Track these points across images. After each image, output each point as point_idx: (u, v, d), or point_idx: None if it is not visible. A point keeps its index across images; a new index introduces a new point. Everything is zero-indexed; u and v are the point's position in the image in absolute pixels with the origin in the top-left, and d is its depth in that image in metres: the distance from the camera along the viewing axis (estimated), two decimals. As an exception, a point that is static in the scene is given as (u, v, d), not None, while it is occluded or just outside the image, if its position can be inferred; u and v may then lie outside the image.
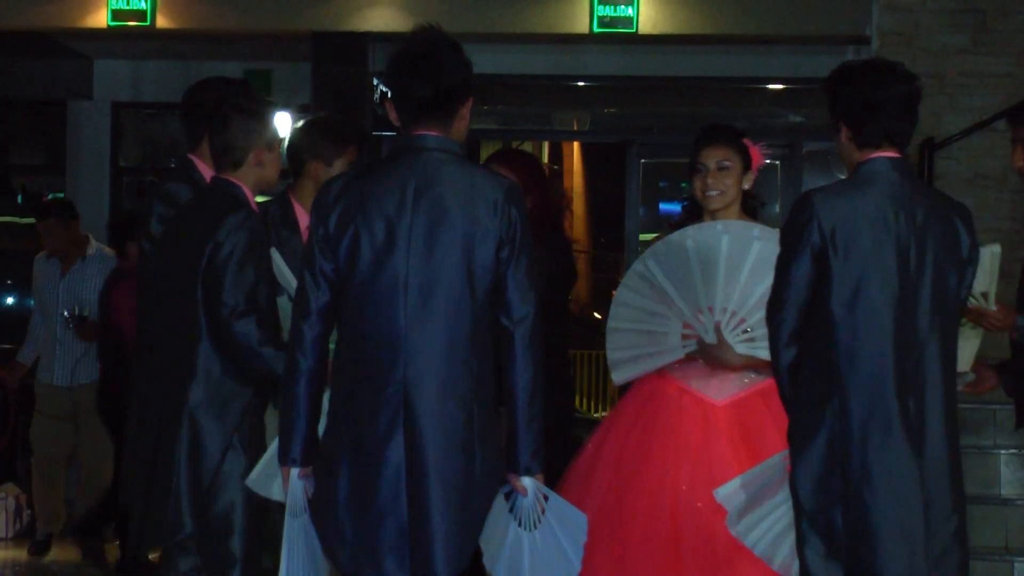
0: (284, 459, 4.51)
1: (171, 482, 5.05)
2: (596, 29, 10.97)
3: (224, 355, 5.06)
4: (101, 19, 11.08)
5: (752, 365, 5.53)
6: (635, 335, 5.66)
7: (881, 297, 4.53)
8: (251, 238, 5.03)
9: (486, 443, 4.42)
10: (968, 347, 5.15)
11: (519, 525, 4.49)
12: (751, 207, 5.76)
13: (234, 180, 5.15)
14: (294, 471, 4.50)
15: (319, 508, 4.52)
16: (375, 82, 11.30)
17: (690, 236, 5.57)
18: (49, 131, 12.83)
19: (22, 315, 12.92)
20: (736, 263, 5.52)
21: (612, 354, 5.72)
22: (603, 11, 10.98)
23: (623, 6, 10.97)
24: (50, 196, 13.07)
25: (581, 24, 11.00)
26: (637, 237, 12.24)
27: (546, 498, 4.50)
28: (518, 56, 11.60)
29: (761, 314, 5.13)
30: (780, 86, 11.76)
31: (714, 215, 5.68)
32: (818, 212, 4.53)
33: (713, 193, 5.67)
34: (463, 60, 4.47)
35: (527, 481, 4.44)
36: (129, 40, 11.66)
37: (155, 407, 5.17)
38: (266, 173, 5.21)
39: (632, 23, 10.96)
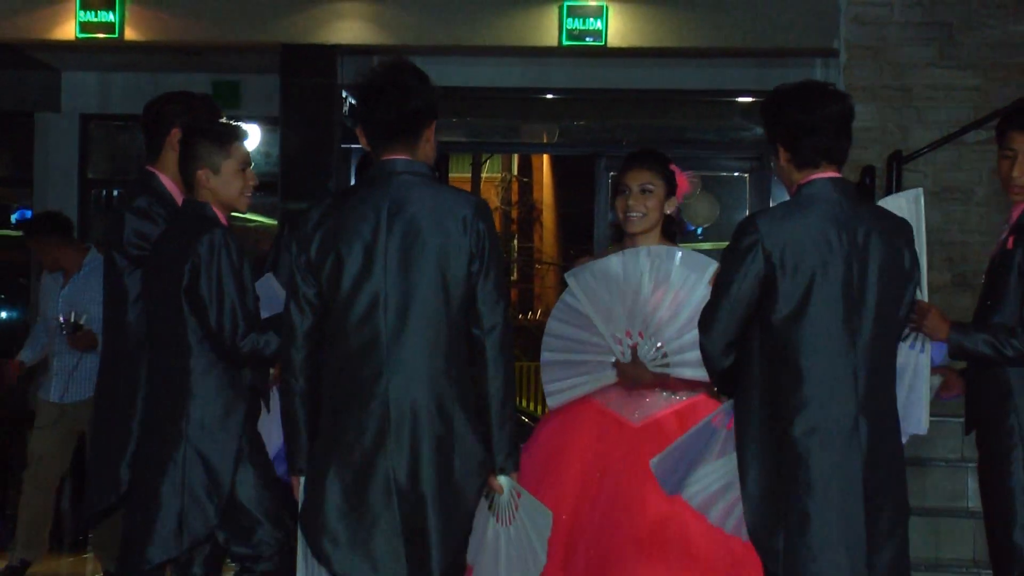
0: (293, 470, 4.79)
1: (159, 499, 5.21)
2: (565, 42, 10.95)
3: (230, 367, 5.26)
4: (69, 31, 11.01)
5: (663, 384, 5.70)
6: (566, 366, 5.82)
7: (828, 316, 4.63)
8: (227, 255, 5.19)
9: (465, 447, 4.66)
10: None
11: (496, 521, 4.84)
12: (671, 232, 5.90)
13: (201, 200, 5.32)
14: (303, 480, 4.76)
15: (309, 517, 4.72)
16: (344, 94, 11.26)
17: (613, 262, 5.72)
18: (16, 143, 12.72)
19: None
20: (656, 287, 5.66)
21: (547, 386, 5.91)
22: (572, 24, 10.95)
23: (592, 19, 10.94)
24: (17, 212, 13.04)
25: (550, 37, 10.97)
26: (606, 249, 12.21)
27: (519, 495, 4.81)
28: (487, 69, 11.60)
29: (679, 338, 5.56)
30: (748, 99, 11.77)
31: (634, 238, 5.82)
32: (763, 236, 4.64)
33: (634, 215, 5.83)
34: (427, 86, 4.73)
35: (503, 479, 4.73)
36: (97, 52, 11.59)
37: (153, 426, 5.31)
38: (220, 192, 5.33)
39: (601, 36, 10.94)
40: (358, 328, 4.66)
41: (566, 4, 10.91)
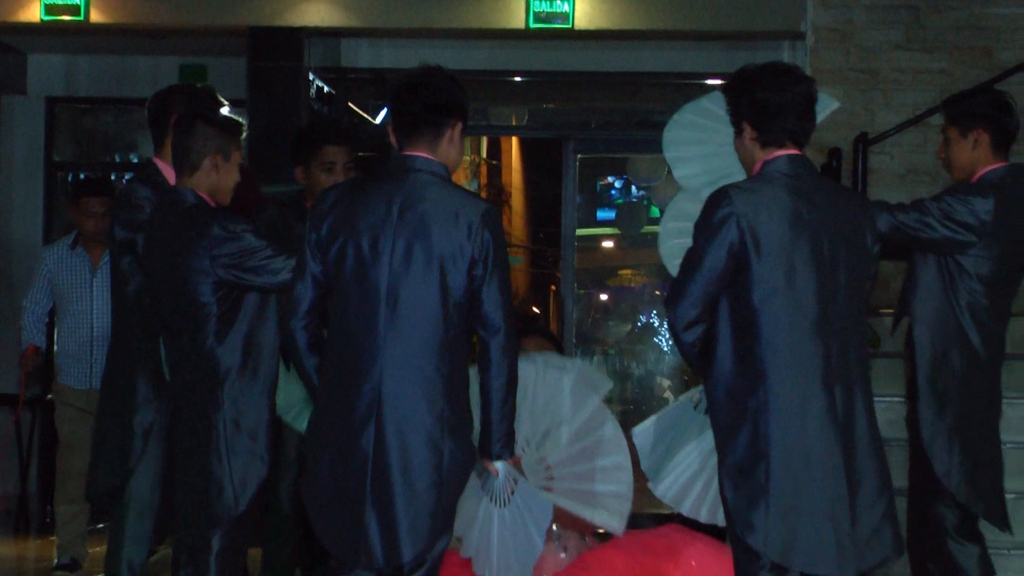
0: None
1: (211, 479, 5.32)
2: (532, 25, 10.95)
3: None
4: (34, 13, 10.97)
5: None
6: None
7: (803, 290, 4.68)
8: (245, 229, 5.29)
9: (456, 438, 4.81)
10: None
11: (491, 501, 5.10)
12: None
13: (190, 186, 5.37)
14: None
15: (310, 497, 4.92)
16: (311, 77, 11.25)
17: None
18: None
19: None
20: (540, 400, 5.69)
21: None
22: (539, 7, 10.96)
23: (559, 2, 10.96)
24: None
25: (517, 19, 10.98)
26: (574, 232, 12.26)
27: (516, 481, 5.03)
28: (455, 52, 11.56)
29: (567, 454, 5.59)
30: (716, 81, 11.74)
31: None
32: (737, 208, 4.69)
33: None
34: (456, 87, 4.95)
35: (498, 464, 4.94)
36: (63, 35, 11.55)
37: (187, 409, 5.39)
38: (222, 180, 5.42)
39: (568, 19, 10.96)
40: (357, 315, 4.82)
41: (533, -14, 10.96)
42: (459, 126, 4.95)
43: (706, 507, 5.11)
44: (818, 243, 4.71)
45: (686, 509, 5.15)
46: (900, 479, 6.91)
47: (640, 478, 5.59)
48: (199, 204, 5.31)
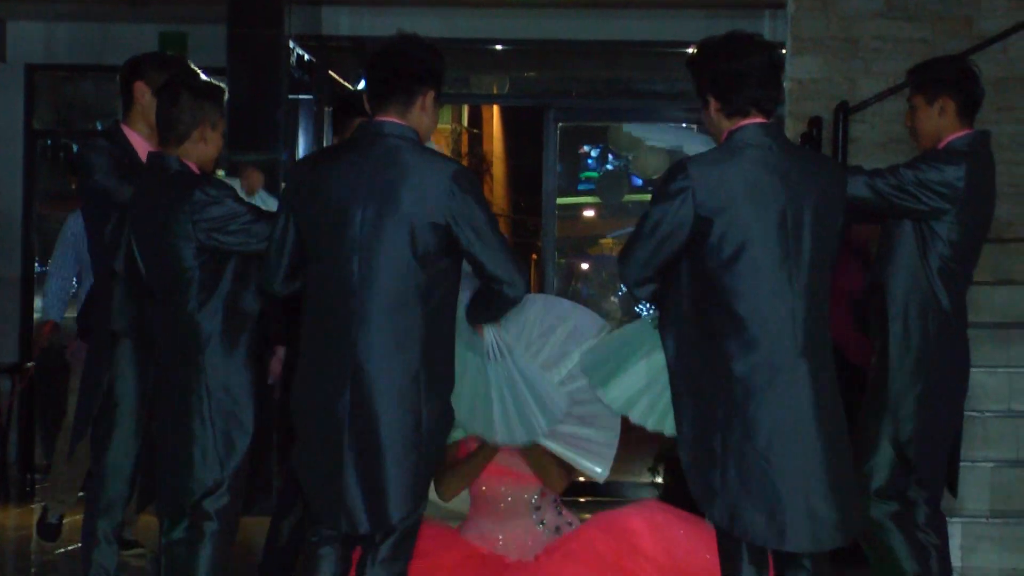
0: None
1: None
2: (514, -7, 10.96)
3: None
4: None
5: (534, 450, 5.64)
6: None
7: (764, 259, 4.73)
8: (226, 195, 5.33)
9: (432, 400, 4.84)
10: None
11: (489, 358, 5.25)
12: None
13: (175, 154, 5.39)
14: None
15: (299, 465, 4.97)
16: (291, 45, 11.18)
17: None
18: None
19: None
20: (540, 340, 5.70)
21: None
22: None
23: None
24: None
25: (499, -13, 10.97)
26: (555, 201, 12.28)
27: (510, 350, 5.28)
28: (436, 19, 11.53)
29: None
30: (691, 52, 11.80)
31: None
32: (693, 182, 4.74)
33: None
34: (429, 54, 4.96)
35: (485, 327, 5.21)
36: (43, 2, 11.54)
37: (171, 371, 5.42)
38: (208, 150, 5.47)
39: (550, -14, 10.95)
40: (331, 280, 4.86)
41: (515, -46, 10.94)
42: (431, 94, 4.96)
43: (654, 418, 5.16)
44: (781, 212, 4.74)
45: (635, 417, 5.20)
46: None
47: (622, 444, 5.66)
48: (182, 171, 5.33)
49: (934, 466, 5.68)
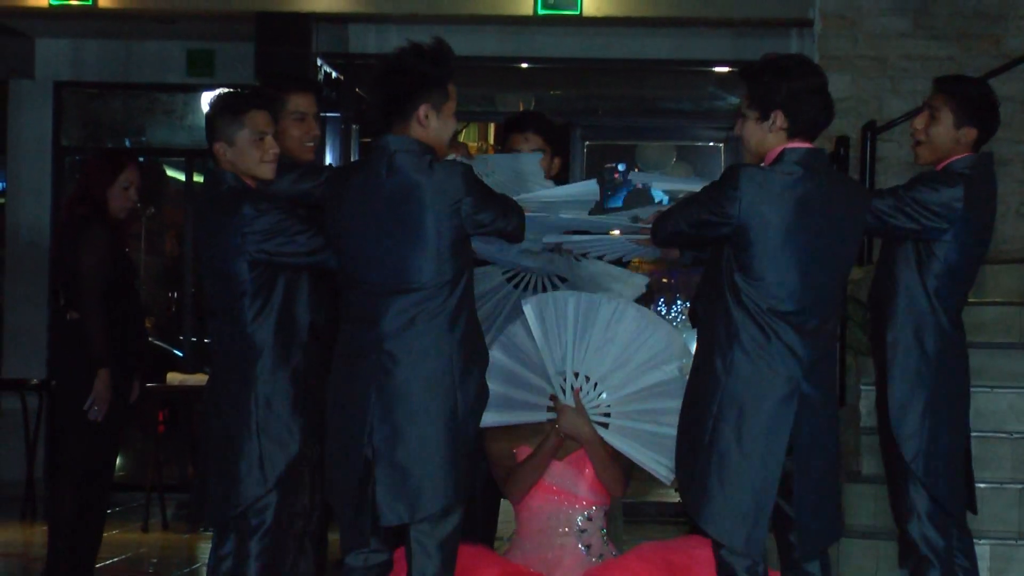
0: None
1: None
2: (540, 11, 11.01)
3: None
4: None
5: (596, 445, 5.67)
6: (500, 401, 5.71)
7: (791, 276, 4.95)
8: (269, 211, 5.34)
9: (466, 386, 5.02)
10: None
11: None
12: None
13: (225, 168, 5.44)
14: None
15: (327, 459, 5.17)
16: (318, 62, 11.31)
17: (572, 297, 5.72)
18: None
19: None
20: (611, 335, 5.70)
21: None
22: None
23: None
24: None
25: (525, 6, 11.04)
26: (581, 218, 12.27)
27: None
28: (463, 38, 11.57)
29: (621, 391, 5.65)
30: (724, 69, 11.80)
31: None
32: (743, 189, 4.93)
33: None
34: (421, 69, 5.04)
35: None
36: (71, 20, 11.60)
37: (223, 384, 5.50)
38: (233, 163, 5.42)
39: (576, 5, 11.00)
40: (357, 290, 5.06)
41: (541, -27, 11.00)
42: (425, 107, 5.03)
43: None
44: (817, 234, 4.93)
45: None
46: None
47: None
48: (235, 186, 5.38)
49: (948, 484, 5.67)
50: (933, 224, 5.54)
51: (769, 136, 5.02)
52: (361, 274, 5.06)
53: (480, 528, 6.12)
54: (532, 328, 5.66)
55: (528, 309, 5.68)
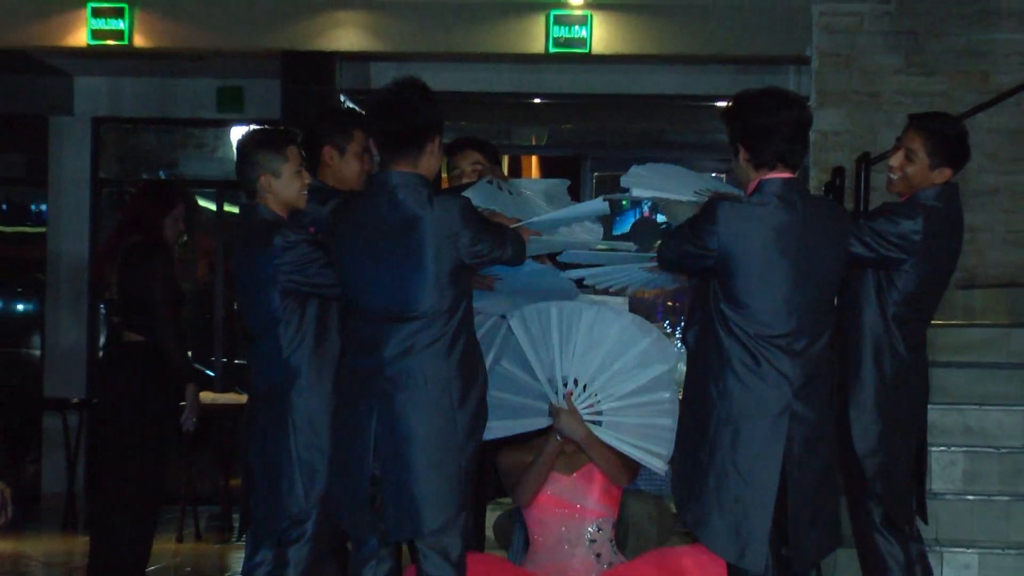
0: None
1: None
2: (552, 49, 11.13)
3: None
4: (81, 38, 11.16)
5: (593, 442, 5.79)
6: (499, 405, 5.73)
7: (776, 302, 5.04)
8: (305, 244, 5.46)
9: (465, 407, 5.07)
10: None
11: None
12: None
13: (263, 201, 5.57)
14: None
15: (332, 476, 5.28)
16: (342, 99, 11.44)
17: (555, 305, 5.82)
18: (31, 145, 12.88)
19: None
20: (596, 339, 5.82)
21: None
22: (558, 32, 11.10)
23: (577, 27, 11.11)
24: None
25: (537, 44, 11.16)
26: (590, 246, 12.41)
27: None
28: (479, 74, 11.80)
29: (610, 390, 5.76)
30: (725, 103, 11.98)
31: None
32: (720, 223, 5.02)
33: None
34: (431, 104, 5.12)
35: None
36: (108, 58, 11.74)
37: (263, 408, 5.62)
38: (278, 193, 5.56)
39: (586, 44, 11.12)
40: (360, 318, 5.14)
41: (553, 13, 11.09)
42: (437, 140, 5.13)
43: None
44: (797, 260, 5.01)
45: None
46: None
47: None
48: (267, 218, 5.53)
49: (903, 499, 5.77)
50: (891, 255, 5.54)
51: (749, 169, 5.08)
52: (363, 302, 5.09)
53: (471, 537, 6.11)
54: (520, 340, 5.79)
55: (514, 323, 5.80)
